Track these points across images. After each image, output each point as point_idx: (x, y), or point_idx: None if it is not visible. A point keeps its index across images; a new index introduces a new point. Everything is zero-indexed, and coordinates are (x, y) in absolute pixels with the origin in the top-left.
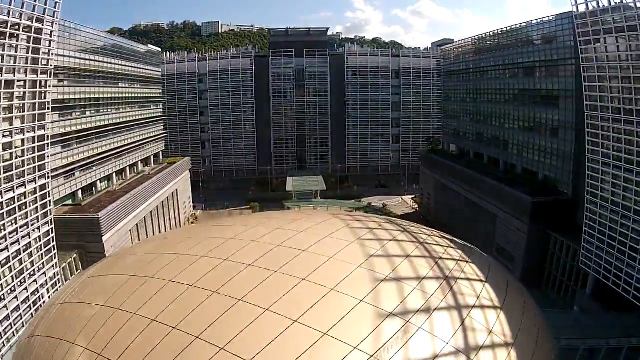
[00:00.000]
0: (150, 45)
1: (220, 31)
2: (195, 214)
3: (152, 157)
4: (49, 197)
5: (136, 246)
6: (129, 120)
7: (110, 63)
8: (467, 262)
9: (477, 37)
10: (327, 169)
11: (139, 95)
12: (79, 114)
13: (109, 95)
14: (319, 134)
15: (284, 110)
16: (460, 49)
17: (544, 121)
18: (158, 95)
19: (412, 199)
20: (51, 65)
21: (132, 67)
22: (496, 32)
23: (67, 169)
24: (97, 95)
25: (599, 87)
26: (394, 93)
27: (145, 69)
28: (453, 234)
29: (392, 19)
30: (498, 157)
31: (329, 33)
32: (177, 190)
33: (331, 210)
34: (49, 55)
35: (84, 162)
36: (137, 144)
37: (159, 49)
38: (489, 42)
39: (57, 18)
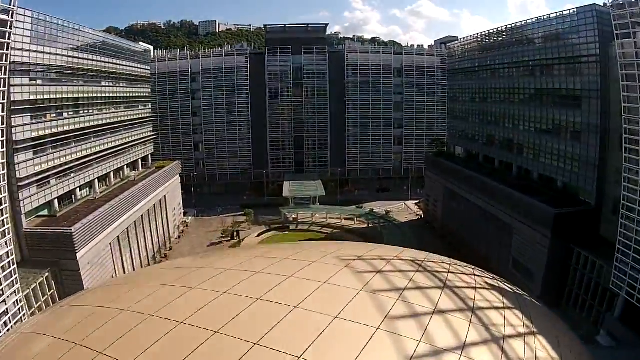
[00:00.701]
0: (142, 44)
1: (217, 30)
2: (186, 220)
3: (139, 160)
4: (6, 214)
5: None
6: (114, 122)
7: (92, 60)
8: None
9: (487, 32)
10: (326, 173)
11: (125, 94)
12: (54, 115)
13: (90, 95)
14: (317, 135)
15: (280, 110)
16: (468, 46)
17: (564, 124)
18: (147, 94)
19: (416, 204)
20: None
21: (117, 64)
22: (509, 27)
23: (41, 176)
24: (76, 95)
25: None
26: (396, 92)
27: (132, 67)
28: (463, 244)
29: (391, 19)
30: (511, 162)
31: (328, 32)
32: (165, 196)
33: (331, 216)
34: (6, 50)
35: (61, 169)
36: (122, 147)
37: (149, 46)
38: (501, 38)
39: (14, 6)
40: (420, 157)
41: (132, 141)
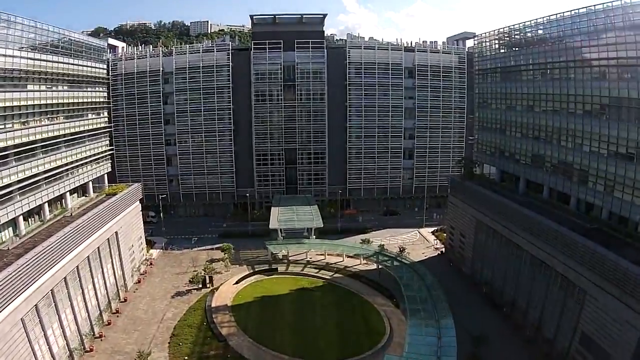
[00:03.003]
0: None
1: (209, 31)
2: (150, 257)
3: (90, 183)
4: None
5: None
6: (48, 138)
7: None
8: None
9: (538, 21)
10: (324, 192)
11: (68, 101)
12: None
13: (8, 105)
14: (313, 147)
15: (269, 117)
16: (507, 40)
17: None
18: (101, 100)
19: (434, 233)
20: None
21: (54, 62)
22: (573, 13)
23: None
24: None
25: None
26: (407, 97)
27: (81, 66)
28: (504, 299)
29: (386, 22)
30: (568, 193)
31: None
32: (117, 233)
33: (330, 256)
34: None
35: None
36: (62, 169)
37: (105, 42)
38: (559, 28)
39: None
40: (434, 173)
41: (78, 160)
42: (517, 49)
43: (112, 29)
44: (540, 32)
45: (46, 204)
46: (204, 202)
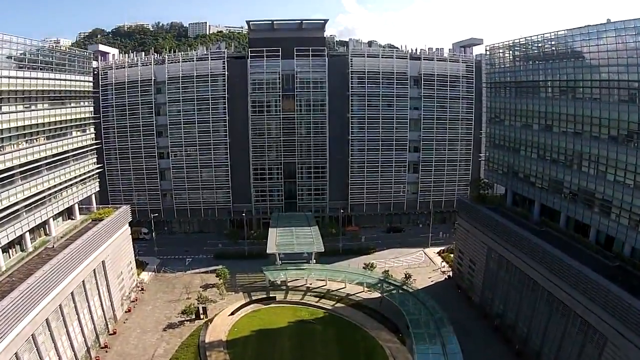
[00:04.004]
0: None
1: (208, 32)
2: (141, 283)
3: (76, 205)
4: None
5: None
6: (26, 162)
7: None
8: None
9: (556, 34)
10: (324, 208)
11: (49, 120)
12: None
13: None
14: (313, 160)
15: (267, 129)
16: (523, 51)
17: None
18: (87, 116)
19: (440, 254)
20: None
21: (32, 79)
22: (597, 27)
23: None
24: None
25: None
26: (412, 107)
27: (63, 80)
28: (516, 334)
29: (386, 22)
30: (588, 223)
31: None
32: (104, 262)
33: (331, 282)
34: None
35: None
36: (45, 194)
37: (90, 51)
38: (581, 43)
39: None
40: (440, 187)
41: (61, 183)
42: (534, 62)
43: (110, 31)
44: (561, 45)
45: (27, 233)
46: (199, 218)
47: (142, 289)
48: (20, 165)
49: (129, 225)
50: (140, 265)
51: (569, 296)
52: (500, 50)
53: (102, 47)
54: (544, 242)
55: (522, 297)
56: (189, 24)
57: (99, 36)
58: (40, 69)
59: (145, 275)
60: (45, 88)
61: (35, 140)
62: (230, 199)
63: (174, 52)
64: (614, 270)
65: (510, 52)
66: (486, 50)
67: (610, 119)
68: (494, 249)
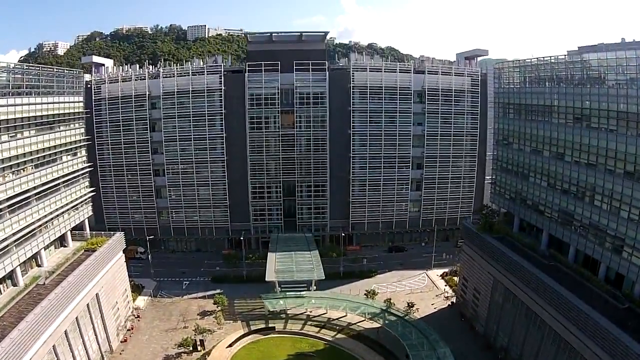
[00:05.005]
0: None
1: (207, 35)
2: (137, 310)
3: (69, 232)
4: None
5: None
6: (13, 195)
7: None
8: None
9: (571, 57)
10: (325, 227)
11: (36, 148)
12: None
13: None
14: (313, 178)
15: (265, 145)
16: (534, 72)
17: None
18: (78, 139)
19: (443, 277)
20: None
21: (16, 105)
22: (616, 54)
23: None
24: None
25: None
26: (416, 123)
27: (51, 104)
28: None
29: (386, 24)
30: (598, 259)
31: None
32: (97, 295)
33: (332, 310)
34: None
35: None
36: (35, 225)
37: (106, 60)
38: (598, 69)
39: None
40: (443, 204)
41: (52, 212)
42: (546, 84)
43: (108, 34)
44: (576, 69)
45: (18, 267)
46: (197, 237)
47: (138, 316)
48: (8, 199)
49: (125, 243)
50: (136, 289)
51: (576, 339)
52: (510, 70)
53: (96, 59)
54: (552, 280)
55: (527, 333)
56: (188, 27)
57: (97, 39)
58: (26, 94)
59: (142, 301)
60: (31, 114)
61: (22, 171)
62: (228, 218)
63: (173, 55)
64: (623, 312)
65: (521, 72)
66: (495, 71)
67: (628, 153)
68: (500, 281)
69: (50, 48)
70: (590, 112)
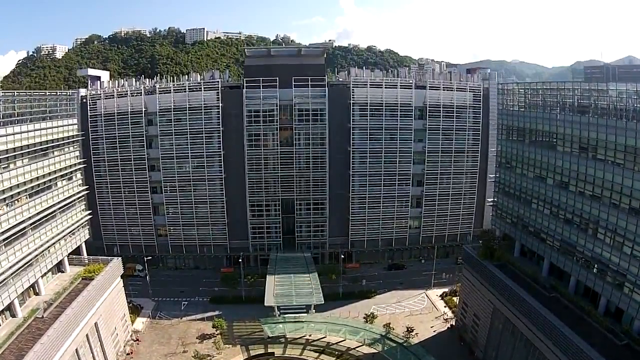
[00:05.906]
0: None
1: (205, 39)
2: (135, 334)
3: (66, 258)
4: None
5: None
6: (9, 228)
7: None
8: None
9: (579, 85)
10: (324, 245)
11: (30, 177)
12: None
13: None
14: (312, 196)
15: (264, 163)
16: (539, 97)
17: None
18: (73, 162)
19: (443, 298)
20: None
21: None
22: (626, 86)
23: None
24: None
25: None
26: (417, 139)
27: (44, 129)
28: None
29: (385, 25)
30: (599, 292)
31: (321, 39)
32: (96, 324)
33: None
34: None
35: None
36: (31, 256)
37: (102, 72)
38: (607, 101)
39: None
40: (443, 221)
41: (48, 240)
42: (551, 111)
43: (106, 37)
44: (584, 98)
45: (16, 299)
46: (195, 255)
47: (137, 340)
48: (3, 232)
49: (122, 262)
50: (135, 311)
51: None
52: (514, 92)
53: (91, 72)
54: (552, 314)
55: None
56: (187, 30)
57: (95, 42)
58: (18, 122)
59: (140, 323)
60: (24, 143)
61: (16, 202)
62: (226, 235)
63: (171, 59)
64: (622, 350)
65: (525, 95)
66: (499, 93)
67: (634, 188)
68: (500, 309)
69: (49, 51)
70: (597, 143)
